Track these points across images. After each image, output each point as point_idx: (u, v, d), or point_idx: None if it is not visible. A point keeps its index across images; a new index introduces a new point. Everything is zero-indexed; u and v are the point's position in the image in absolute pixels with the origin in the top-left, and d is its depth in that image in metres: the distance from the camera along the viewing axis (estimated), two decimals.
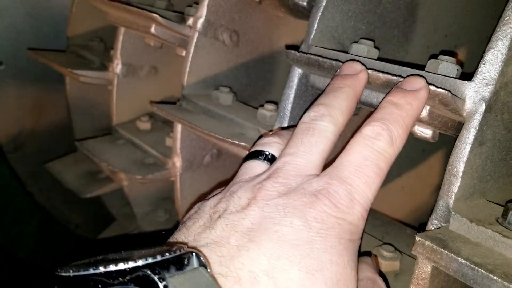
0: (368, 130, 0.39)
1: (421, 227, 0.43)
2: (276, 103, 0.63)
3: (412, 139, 0.74)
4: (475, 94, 0.40)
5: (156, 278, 0.27)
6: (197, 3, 0.71)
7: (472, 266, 0.33)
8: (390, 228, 0.58)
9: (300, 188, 0.36)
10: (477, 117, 0.40)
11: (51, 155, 1.03)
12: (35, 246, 1.37)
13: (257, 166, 0.42)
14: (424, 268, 0.39)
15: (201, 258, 0.30)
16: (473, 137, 0.40)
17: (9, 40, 1.15)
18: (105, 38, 1.05)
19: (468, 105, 0.41)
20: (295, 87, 0.54)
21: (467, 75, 0.42)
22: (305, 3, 0.61)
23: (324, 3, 0.52)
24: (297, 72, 0.53)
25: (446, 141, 0.79)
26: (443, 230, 0.39)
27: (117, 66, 0.85)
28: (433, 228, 0.40)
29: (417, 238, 0.37)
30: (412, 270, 0.41)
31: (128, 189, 0.88)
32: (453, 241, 0.36)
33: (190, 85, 0.71)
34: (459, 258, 0.34)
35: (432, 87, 0.39)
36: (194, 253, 0.30)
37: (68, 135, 1.10)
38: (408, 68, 0.45)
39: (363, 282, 0.39)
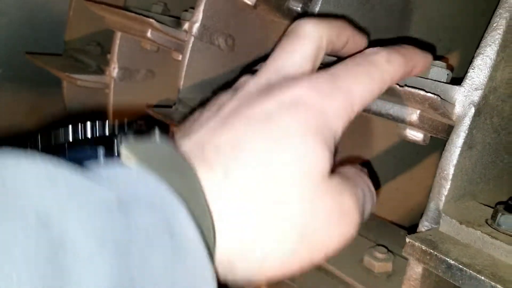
0: (367, 50, 0.38)
1: (412, 229, 0.44)
2: None
3: (406, 142, 0.75)
4: (464, 99, 0.41)
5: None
6: (193, 8, 0.71)
7: (460, 266, 0.34)
8: (383, 229, 0.59)
9: (282, 78, 0.35)
10: (467, 121, 0.41)
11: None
12: None
13: None
14: (415, 269, 0.40)
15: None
16: (462, 140, 0.41)
17: (6, 44, 1.15)
18: (102, 42, 1.06)
19: (458, 109, 0.41)
20: None
21: (458, 80, 0.43)
22: (299, 9, 0.62)
23: (317, 9, 0.53)
24: None
25: (441, 143, 0.80)
26: (433, 231, 0.40)
27: (114, 70, 0.86)
28: (424, 230, 0.41)
29: (407, 240, 0.38)
30: (404, 271, 0.42)
31: None
32: (443, 242, 0.37)
33: (186, 89, 0.71)
34: (448, 259, 0.35)
35: (422, 92, 0.40)
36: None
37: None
38: None
39: (345, 169, 0.37)
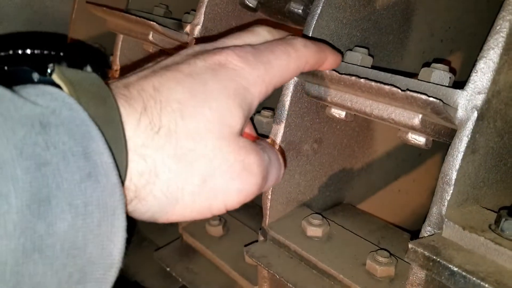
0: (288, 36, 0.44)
1: (415, 234, 0.43)
2: (272, 109, 0.63)
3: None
4: (467, 103, 0.41)
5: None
6: (194, 10, 0.71)
7: (464, 274, 0.34)
8: (386, 232, 0.59)
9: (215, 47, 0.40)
10: (469, 125, 0.40)
11: None
12: None
13: None
14: (418, 274, 0.40)
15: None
16: (465, 145, 0.40)
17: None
18: (104, 44, 1.05)
19: (460, 114, 0.41)
20: (290, 94, 0.54)
21: (461, 83, 0.43)
22: (300, 11, 0.61)
23: (318, 11, 0.53)
24: (292, 79, 0.54)
25: (444, 144, 0.80)
26: (436, 237, 0.39)
27: (117, 73, 0.86)
28: (426, 235, 0.41)
29: (410, 246, 0.37)
30: (407, 276, 0.42)
31: None
32: (446, 248, 0.37)
33: None
34: (451, 266, 0.34)
35: (424, 96, 0.39)
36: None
37: None
38: (401, 77, 0.45)
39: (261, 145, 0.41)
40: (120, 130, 0.30)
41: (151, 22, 0.70)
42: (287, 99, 0.55)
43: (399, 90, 0.41)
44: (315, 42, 0.45)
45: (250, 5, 0.66)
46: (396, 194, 0.81)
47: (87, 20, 1.03)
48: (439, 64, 0.46)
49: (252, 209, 0.77)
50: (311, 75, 0.49)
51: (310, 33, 0.53)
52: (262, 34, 0.44)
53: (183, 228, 0.75)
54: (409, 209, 0.86)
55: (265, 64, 0.39)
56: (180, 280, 0.70)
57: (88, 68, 0.32)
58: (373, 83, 0.43)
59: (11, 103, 0.25)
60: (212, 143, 0.35)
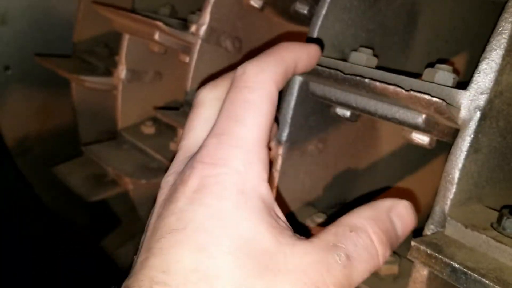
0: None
1: (418, 232, 0.44)
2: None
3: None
4: (470, 103, 0.41)
5: None
6: (200, 10, 0.72)
7: (465, 270, 0.34)
8: None
9: None
10: (472, 125, 0.41)
11: (57, 158, 1.05)
12: (40, 247, 1.39)
13: None
14: (421, 272, 0.41)
15: None
16: (468, 144, 0.41)
17: (16, 45, 1.17)
18: (110, 43, 1.07)
19: (463, 114, 0.42)
20: (295, 94, 0.55)
21: (464, 83, 0.43)
22: (305, 11, 0.62)
23: (324, 12, 0.53)
24: (297, 79, 0.55)
25: (448, 145, 0.80)
26: (439, 235, 0.40)
27: (122, 72, 0.87)
28: (429, 233, 0.41)
29: (413, 243, 0.38)
30: (410, 274, 0.42)
31: (133, 193, 0.89)
32: (448, 246, 0.38)
33: (193, 91, 0.72)
34: (453, 263, 0.35)
35: (427, 96, 0.40)
36: None
37: (73, 138, 1.12)
38: (405, 77, 0.46)
39: (340, 229, 0.34)
40: None
41: (157, 22, 0.71)
42: (292, 99, 0.55)
43: (403, 90, 0.41)
44: (272, 53, 0.39)
45: (256, 5, 0.67)
46: (400, 194, 0.82)
47: (93, 20, 1.04)
48: (443, 65, 0.46)
49: None
50: (316, 75, 0.49)
51: (315, 34, 0.54)
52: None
53: None
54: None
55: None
56: None
57: None
58: (377, 83, 0.43)
59: None
60: None
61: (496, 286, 0.32)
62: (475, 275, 0.33)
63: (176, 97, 0.96)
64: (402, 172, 0.82)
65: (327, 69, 0.48)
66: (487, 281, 0.33)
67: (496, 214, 0.41)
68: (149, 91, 0.93)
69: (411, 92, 0.41)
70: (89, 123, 1.07)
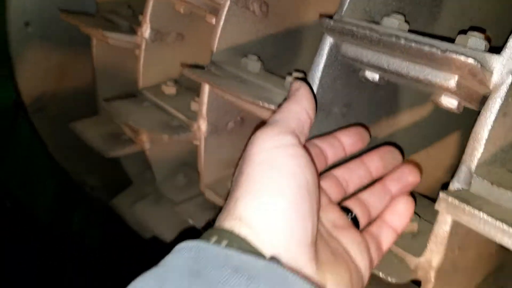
0: None
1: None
2: (303, 71, 0.65)
3: (429, 118, 0.76)
4: (502, 67, 0.43)
5: None
6: None
7: (493, 221, 0.36)
8: None
9: None
10: (503, 89, 0.42)
11: (73, 117, 1.06)
12: (52, 206, 1.42)
13: None
14: (443, 227, 0.42)
15: None
16: (498, 107, 0.42)
17: (36, 2, 1.17)
18: (132, 5, 1.07)
19: (495, 77, 0.43)
20: (325, 55, 0.56)
21: (497, 49, 0.44)
22: None
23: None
24: (328, 41, 0.55)
25: (462, 123, 0.81)
26: (465, 192, 0.41)
27: (146, 31, 0.87)
28: (454, 190, 0.43)
29: (441, 195, 0.40)
30: (429, 233, 0.44)
31: (150, 152, 0.91)
32: (475, 200, 0.39)
33: (219, 52, 0.73)
34: (482, 213, 0.36)
35: (462, 57, 0.41)
36: None
37: (90, 99, 1.13)
38: (438, 41, 0.47)
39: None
40: None
41: None
42: (321, 60, 0.56)
43: (438, 51, 0.42)
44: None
45: None
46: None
47: None
48: (475, 32, 0.47)
49: None
50: (350, 35, 0.50)
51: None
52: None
53: (205, 185, 0.77)
54: (424, 185, 0.88)
55: None
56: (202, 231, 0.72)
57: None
58: (413, 44, 0.44)
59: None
60: None
61: None
62: (504, 225, 0.35)
63: (197, 60, 0.96)
64: (416, 147, 0.83)
65: (362, 30, 0.49)
66: None
67: None
68: (170, 53, 0.94)
69: (447, 53, 0.42)
70: (108, 83, 1.08)
